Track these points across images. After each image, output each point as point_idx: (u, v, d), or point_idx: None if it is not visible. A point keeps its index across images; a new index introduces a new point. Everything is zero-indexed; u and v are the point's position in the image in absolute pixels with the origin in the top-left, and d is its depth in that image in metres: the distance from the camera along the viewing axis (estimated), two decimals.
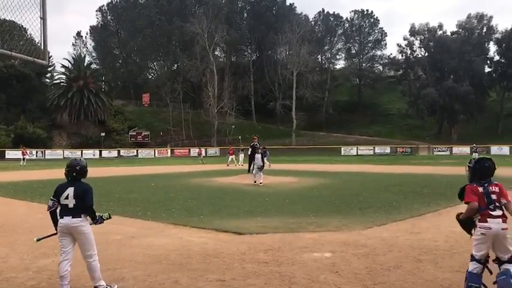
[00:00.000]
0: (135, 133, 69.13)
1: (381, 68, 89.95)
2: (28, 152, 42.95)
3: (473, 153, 36.06)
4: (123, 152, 61.14)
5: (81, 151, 58.28)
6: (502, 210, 4.56)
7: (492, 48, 72.77)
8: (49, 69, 69.55)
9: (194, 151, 60.68)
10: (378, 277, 5.54)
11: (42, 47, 5.72)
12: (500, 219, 4.51)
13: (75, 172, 5.09)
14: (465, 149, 51.09)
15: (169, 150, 63.97)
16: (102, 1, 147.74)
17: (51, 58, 64.58)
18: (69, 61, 72.58)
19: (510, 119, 70.57)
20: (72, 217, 4.96)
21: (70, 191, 5.00)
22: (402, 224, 9.07)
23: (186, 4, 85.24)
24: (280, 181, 19.06)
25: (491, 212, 4.54)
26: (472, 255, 4.62)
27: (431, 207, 11.15)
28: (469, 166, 4.92)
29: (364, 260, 6.27)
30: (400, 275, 5.62)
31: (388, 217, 9.81)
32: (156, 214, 10.54)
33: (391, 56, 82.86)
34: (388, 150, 59.25)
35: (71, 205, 4.97)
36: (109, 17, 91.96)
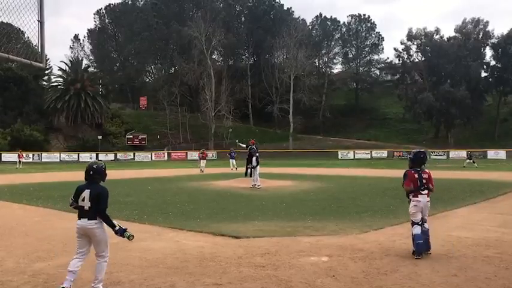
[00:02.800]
0: (132, 136, 68.98)
1: (378, 72, 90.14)
2: (24, 155, 42.60)
3: (467, 159, 36.16)
4: (120, 155, 60.99)
5: (78, 154, 58.13)
6: (428, 190, 6.83)
7: (488, 53, 73.15)
8: (46, 72, 69.36)
9: (191, 154, 60.63)
10: (374, 281, 5.54)
11: (40, 50, 5.71)
12: (426, 196, 6.82)
13: (92, 171, 5.23)
14: (462, 153, 51.14)
15: (166, 154, 63.87)
16: (99, 4, 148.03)
17: (48, 61, 64.66)
18: (66, 64, 72.53)
19: (506, 123, 70.83)
20: (88, 219, 5.11)
21: (86, 193, 5.16)
22: (399, 228, 9.07)
23: (184, 8, 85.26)
24: (277, 185, 19.05)
25: (421, 191, 6.79)
26: (412, 222, 6.79)
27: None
28: (409, 157, 7.16)
29: (361, 264, 6.27)
30: (397, 279, 5.62)
31: (385, 221, 9.82)
32: (152, 218, 10.51)
33: (388, 61, 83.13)
34: (385, 154, 59.31)
35: (86, 207, 5.13)
36: (107, 20, 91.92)
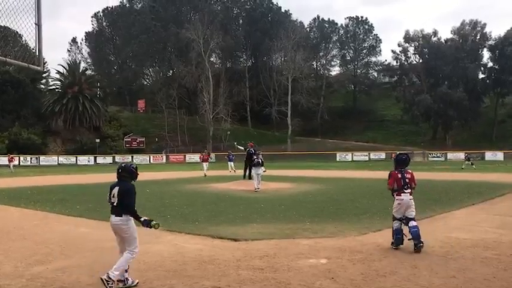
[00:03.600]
0: (130, 139, 68.94)
1: (375, 74, 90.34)
2: (15, 158, 41.62)
3: (466, 161, 36.18)
4: (118, 158, 60.87)
5: (76, 157, 58.08)
6: (410, 189, 7.42)
7: (486, 54, 73.32)
8: (44, 75, 69.31)
9: (190, 157, 60.59)
10: (373, 283, 5.54)
11: (37, 53, 5.70)
12: (409, 194, 7.39)
13: (120, 169, 5.60)
14: (460, 155, 51.17)
15: (164, 157, 63.83)
16: (97, 7, 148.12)
17: (46, 64, 64.52)
18: (64, 67, 72.49)
19: (504, 125, 70.98)
20: (115, 216, 5.42)
21: (115, 190, 5.47)
22: None
23: (182, 11, 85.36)
24: (275, 187, 19.04)
25: (404, 190, 7.38)
26: (393, 217, 7.46)
27: (426, 213, 11.16)
28: (394, 159, 7.79)
29: (360, 266, 6.27)
30: (395, 281, 5.62)
31: (383, 223, 9.80)
32: None
33: (386, 63, 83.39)
34: (383, 156, 59.30)
35: (115, 203, 5.43)
36: (104, 23, 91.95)
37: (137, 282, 5.57)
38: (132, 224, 5.45)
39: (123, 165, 5.69)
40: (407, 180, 7.39)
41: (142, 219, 5.36)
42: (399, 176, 7.43)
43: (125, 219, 5.38)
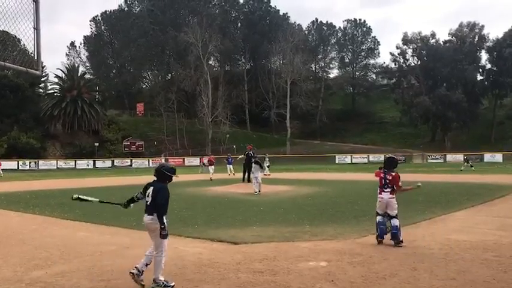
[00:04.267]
0: (129, 143, 68.90)
1: (374, 76, 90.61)
2: (1, 163, 40.35)
3: (465, 163, 36.22)
4: (117, 161, 60.89)
5: (75, 161, 58.02)
6: (391, 188, 7.85)
7: (484, 56, 73.63)
8: (42, 79, 69.40)
9: (189, 160, 60.50)
10: (373, 286, 5.53)
11: (36, 57, 5.69)
12: (389, 193, 7.87)
13: (156, 170, 5.78)
14: (459, 157, 51.30)
15: (163, 160, 63.73)
16: (95, 11, 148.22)
17: (44, 68, 64.49)
18: (62, 71, 72.67)
19: (503, 126, 71.11)
20: (147, 214, 5.58)
21: (150, 189, 5.65)
22: None
23: (180, 14, 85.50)
24: (274, 190, 19.03)
25: (384, 189, 7.89)
26: (377, 212, 8.02)
27: (426, 215, 11.16)
28: (395, 163, 8.25)
29: (360, 269, 6.26)
30: (395, 283, 5.61)
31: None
32: None
33: (384, 65, 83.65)
34: (382, 158, 58.98)
35: (148, 202, 5.61)
36: (103, 27, 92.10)
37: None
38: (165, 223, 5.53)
39: (158, 166, 5.87)
40: (387, 180, 7.91)
41: (164, 229, 5.42)
42: (381, 175, 8.02)
43: (156, 217, 5.48)
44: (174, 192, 19.97)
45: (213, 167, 30.58)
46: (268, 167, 32.97)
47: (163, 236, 5.41)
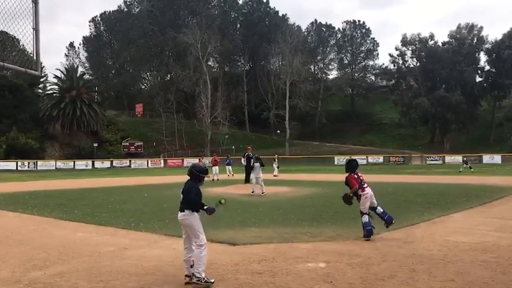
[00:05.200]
0: (128, 143, 68.83)
1: (373, 77, 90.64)
2: None
3: (464, 164, 36.24)
4: (116, 162, 60.79)
5: (74, 162, 57.91)
6: (367, 184, 8.68)
7: (483, 58, 73.69)
8: (41, 79, 69.28)
9: (188, 161, 60.40)
10: (372, 287, 5.54)
11: (35, 58, 5.69)
12: (368, 187, 8.65)
13: (188, 170, 6.14)
14: (458, 158, 51.33)
15: (162, 161, 63.74)
16: (95, 12, 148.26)
17: (43, 68, 64.55)
18: (61, 71, 72.51)
19: (501, 128, 71.16)
20: (180, 211, 5.92)
21: (183, 187, 6.03)
22: (396, 233, 9.07)
23: (179, 15, 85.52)
24: (273, 191, 19.01)
25: (364, 187, 8.61)
26: (361, 212, 8.46)
27: (425, 216, 11.17)
28: (345, 164, 9.06)
29: (359, 270, 6.26)
30: (394, 284, 5.61)
31: (381, 226, 9.80)
32: (149, 225, 10.46)
33: (383, 66, 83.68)
34: (381, 159, 59.37)
35: (181, 199, 5.97)
36: (102, 28, 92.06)
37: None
38: (195, 219, 5.84)
39: (190, 167, 6.22)
40: (361, 178, 8.72)
41: (205, 207, 5.92)
42: (356, 176, 8.71)
43: (189, 213, 5.82)
44: (173, 193, 19.95)
45: (217, 167, 29.86)
46: (278, 168, 32.93)
47: (211, 209, 5.95)
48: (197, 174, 6.02)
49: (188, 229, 5.88)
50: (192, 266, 5.75)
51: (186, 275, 5.84)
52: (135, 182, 27.80)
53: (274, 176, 30.17)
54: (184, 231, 5.99)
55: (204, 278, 5.64)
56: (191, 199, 5.84)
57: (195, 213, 5.85)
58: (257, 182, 17.94)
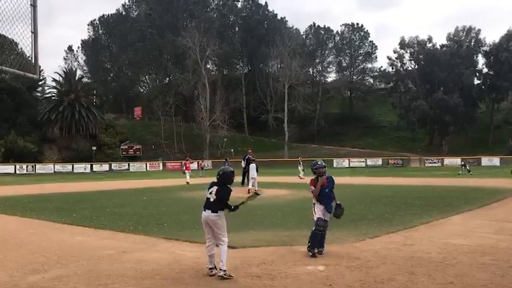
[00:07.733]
0: (126, 147, 68.78)
1: (371, 80, 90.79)
2: None
3: (462, 167, 36.27)
4: (114, 165, 60.73)
5: (73, 165, 57.85)
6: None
7: (481, 60, 73.89)
8: (40, 83, 69.33)
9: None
10: None
11: (33, 61, 5.69)
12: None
13: (218, 174, 6.47)
14: (456, 161, 51.39)
15: (161, 164, 63.67)
16: (93, 15, 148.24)
17: (42, 72, 64.62)
18: (60, 75, 72.45)
19: (500, 130, 71.32)
20: (212, 211, 6.23)
21: (214, 189, 6.36)
22: (395, 236, 9.07)
23: (178, 18, 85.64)
24: (272, 194, 19.00)
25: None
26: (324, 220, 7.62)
27: (424, 219, 11.15)
28: (311, 168, 8.09)
29: (358, 273, 6.25)
30: (393, 287, 5.61)
31: (380, 229, 9.80)
32: (147, 228, 10.45)
33: (382, 69, 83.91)
34: (379, 162, 59.40)
35: (211, 199, 6.29)
36: (100, 31, 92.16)
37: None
38: (224, 219, 6.31)
39: (220, 171, 6.53)
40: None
41: (232, 207, 6.35)
42: (316, 182, 8.19)
43: (221, 214, 6.27)
44: (172, 196, 19.87)
45: (189, 171, 30.05)
46: (303, 170, 32.83)
47: (235, 208, 6.40)
48: (223, 175, 6.44)
49: (217, 228, 6.23)
50: (213, 261, 6.23)
51: (209, 268, 6.25)
52: (134, 185, 27.74)
53: (300, 178, 30.38)
54: (208, 231, 6.28)
55: (227, 271, 6.05)
56: (223, 196, 6.26)
57: (222, 214, 6.32)
58: (253, 184, 18.04)
